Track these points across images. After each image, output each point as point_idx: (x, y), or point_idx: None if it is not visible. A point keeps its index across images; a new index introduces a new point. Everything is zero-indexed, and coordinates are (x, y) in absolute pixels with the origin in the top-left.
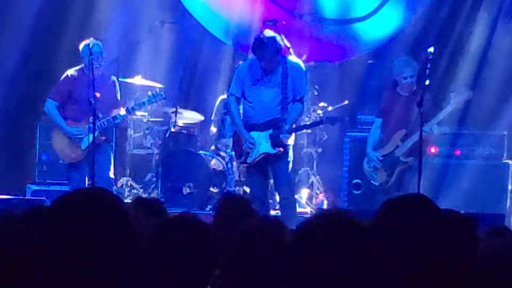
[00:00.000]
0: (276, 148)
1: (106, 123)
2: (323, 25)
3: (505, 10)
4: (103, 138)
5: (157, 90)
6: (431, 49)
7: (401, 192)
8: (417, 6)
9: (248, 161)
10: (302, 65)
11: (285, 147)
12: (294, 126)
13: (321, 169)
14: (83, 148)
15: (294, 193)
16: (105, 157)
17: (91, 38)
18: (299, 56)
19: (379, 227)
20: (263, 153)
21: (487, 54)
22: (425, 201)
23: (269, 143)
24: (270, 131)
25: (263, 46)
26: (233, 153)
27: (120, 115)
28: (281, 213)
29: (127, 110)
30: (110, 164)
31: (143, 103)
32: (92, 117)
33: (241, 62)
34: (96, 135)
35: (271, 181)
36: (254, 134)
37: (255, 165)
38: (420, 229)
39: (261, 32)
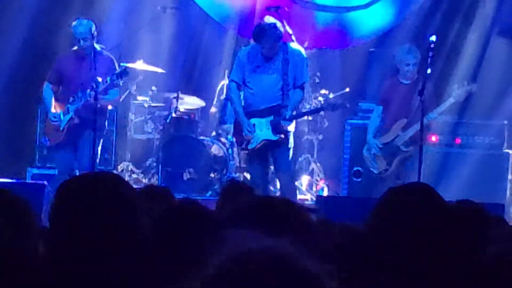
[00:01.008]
0: (277, 135)
1: (74, 101)
2: (325, 12)
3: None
4: (76, 121)
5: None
6: (433, 38)
7: (401, 181)
8: None
9: (249, 147)
10: (303, 52)
11: (286, 133)
12: (295, 112)
13: (321, 156)
14: (61, 129)
15: (294, 179)
16: (86, 144)
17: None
18: (301, 43)
19: (380, 216)
20: (264, 140)
21: (489, 43)
22: (428, 190)
23: (270, 129)
24: (271, 117)
25: (264, 33)
26: (234, 139)
27: (85, 93)
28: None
29: (93, 89)
30: (91, 151)
31: (107, 80)
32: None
33: (243, 47)
34: (71, 115)
35: (272, 167)
36: (255, 120)
37: (255, 152)
38: (422, 219)
39: (262, 18)
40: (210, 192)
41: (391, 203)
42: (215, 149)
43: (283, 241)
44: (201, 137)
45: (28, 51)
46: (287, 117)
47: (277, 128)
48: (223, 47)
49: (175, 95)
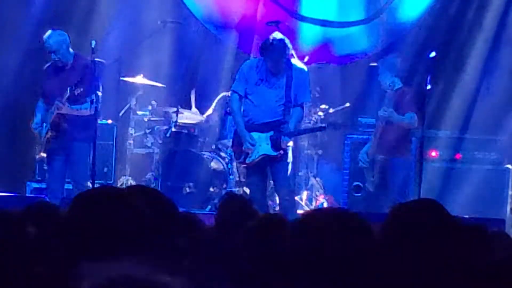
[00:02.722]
0: (276, 151)
1: (46, 115)
2: (326, 27)
3: None
4: (52, 133)
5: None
6: (433, 54)
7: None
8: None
9: (247, 161)
10: (306, 71)
11: (285, 149)
12: (294, 130)
13: (321, 171)
14: (42, 140)
15: (294, 195)
16: (77, 158)
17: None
18: (301, 58)
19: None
20: (263, 155)
21: (491, 60)
22: (437, 207)
23: (269, 145)
24: (271, 133)
25: (271, 48)
26: (232, 152)
27: (53, 106)
28: (280, 212)
29: (59, 100)
30: (82, 163)
31: (67, 91)
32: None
33: (251, 58)
34: (45, 131)
35: (271, 182)
36: (254, 134)
37: (254, 166)
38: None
39: (269, 33)
40: (209, 207)
41: (399, 219)
42: (214, 164)
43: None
44: (201, 152)
45: (27, 66)
46: (287, 133)
47: (276, 143)
48: (223, 62)
49: (175, 109)
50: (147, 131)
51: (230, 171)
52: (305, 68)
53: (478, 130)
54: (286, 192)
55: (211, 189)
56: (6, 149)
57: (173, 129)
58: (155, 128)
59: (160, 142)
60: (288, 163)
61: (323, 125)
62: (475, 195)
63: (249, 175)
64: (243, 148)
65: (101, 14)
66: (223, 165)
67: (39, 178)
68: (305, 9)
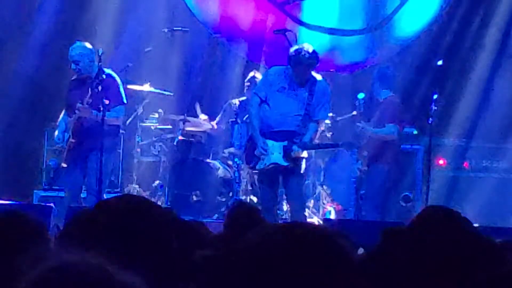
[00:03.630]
0: (287, 161)
1: (69, 121)
2: (332, 35)
3: None
4: (73, 141)
5: None
6: (440, 62)
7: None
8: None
9: (257, 167)
10: (329, 89)
11: (298, 160)
12: (309, 143)
13: (328, 179)
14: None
15: (305, 206)
16: (93, 165)
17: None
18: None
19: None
20: (274, 163)
21: (497, 69)
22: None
23: (282, 154)
24: (285, 143)
25: (302, 59)
26: (244, 156)
27: (75, 108)
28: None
29: (81, 102)
30: (95, 174)
31: (89, 93)
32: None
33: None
34: (66, 138)
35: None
36: (269, 142)
37: (265, 174)
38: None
39: (277, 42)
40: (216, 215)
41: (423, 226)
42: (222, 172)
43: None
44: (208, 160)
45: (35, 75)
46: (300, 145)
47: (288, 154)
48: (230, 69)
49: (182, 117)
50: (154, 139)
51: (237, 179)
52: (328, 86)
53: (486, 139)
54: (298, 204)
55: (218, 197)
56: (13, 158)
57: (180, 137)
58: (162, 136)
59: (167, 150)
60: (301, 175)
61: (339, 142)
62: (483, 204)
63: (260, 182)
64: (255, 153)
65: (109, 23)
66: (230, 174)
67: (46, 186)
68: (309, 17)
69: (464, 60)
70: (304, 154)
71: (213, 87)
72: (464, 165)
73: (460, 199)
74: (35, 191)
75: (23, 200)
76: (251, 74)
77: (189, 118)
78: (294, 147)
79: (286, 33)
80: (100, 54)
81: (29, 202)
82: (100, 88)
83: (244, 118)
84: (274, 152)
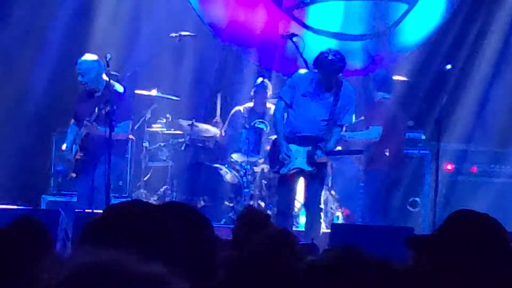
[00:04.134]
0: (311, 166)
1: (76, 136)
2: (341, 40)
3: None
4: (81, 154)
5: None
6: (449, 66)
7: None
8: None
9: (281, 172)
10: (355, 93)
11: (321, 165)
12: (333, 149)
13: (336, 184)
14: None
15: (320, 211)
16: (100, 168)
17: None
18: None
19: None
20: (297, 168)
21: (502, 73)
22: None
23: (305, 159)
24: (309, 148)
25: (329, 62)
26: (268, 160)
27: (82, 125)
28: (306, 227)
29: (88, 119)
30: (103, 174)
31: (95, 111)
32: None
33: (304, 71)
34: (74, 151)
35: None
36: (292, 147)
37: (286, 178)
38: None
39: (288, 47)
40: (224, 220)
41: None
42: (229, 177)
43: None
44: (216, 165)
45: (43, 80)
46: (325, 151)
47: (312, 159)
48: (239, 75)
49: (190, 122)
50: (162, 144)
51: (244, 184)
52: (354, 90)
53: (494, 143)
54: (315, 208)
55: (226, 203)
56: (22, 163)
57: (188, 142)
58: (170, 141)
59: (175, 155)
60: (323, 180)
61: (361, 149)
62: (491, 209)
63: (280, 185)
64: (279, 157)
65: (117, 29)
66: (238, 179)
67: (54, 192)
68: (314, 22)
69: (470, 64)
70: (325, 159)
71: (223, 92)
72: (472, 169)
73: (468, 204)
74: (43, 196)
75: (31, 205)
76: (259, 80)
77: (197, 124)
78: (318, 152)
79: (294, 38)
80: (107, 59)
81: (37, 207)
82: (108, 108)
83: (252, 124)
84: (298, 157)
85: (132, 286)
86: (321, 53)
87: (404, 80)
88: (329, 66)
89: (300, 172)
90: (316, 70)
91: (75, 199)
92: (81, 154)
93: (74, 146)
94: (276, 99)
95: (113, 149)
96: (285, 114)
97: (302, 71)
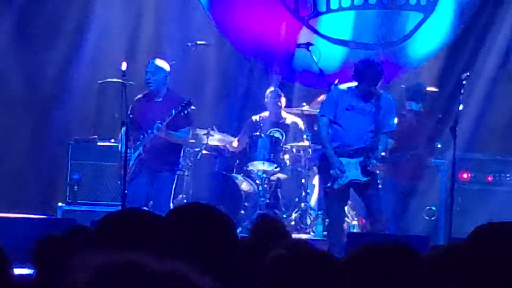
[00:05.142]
0: (367, 176)
1: (144, 138)
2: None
3: None
4: (145, 157)
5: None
6: (466, 75)
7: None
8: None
9: (334, 186)
10: (393, 100)
11: (375, 174)
12: (384, 156)
13: (352, 193)
14: (130, 165)
15: (386, 218)
16: (160, 185)
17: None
18: (332, 80)
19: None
20: (352, 180)
21: None
22: None
23: (359, 170)
24: (361, 158)
25: (369, 71)
26: (319, 177)
27: (154, 128)
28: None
29: (160, 122)
30: (166, 192)
31: (171, 113)
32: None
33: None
34: (139, 151)
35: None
36: (343, 160)
37: (337, 191)
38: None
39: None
40: (240, 229)
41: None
42: (245, 186)
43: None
44: (232, 174)
45: (61, 90)
46: (379, 158)
47: (366, 169)
48: (253, 83)
49: (205, 131)
50: None
51: (260, 193)
52: (392, 97)
53: (511, 152)
54: (382, 217)
55: (242, 212)
56: (38, 172)
57: (204, 151)
58: (186, 150)
59: (191, 164)
60: (379, 188)
61: (409, 154)
62: (508, 218)
63: (332, 199)
64: (331, 172)
65: (132, 37)
66: (253, 187)
67: (70, 200)
68: (326, 30)
69: (487, 73)
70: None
71: (235, 101)
72: (488, 178)
73: (485, 212)
74: (59, 205)
75: (47, 214)
76: (271, 89)
77: (212, 132)
78: (373, 161)
79: (310, 47)
80: (124, 69)
81: (53, 216)
82: (182, 112)
83: (267, 132)
84: (351, 169)
85: (158, 283)
86: (361, 62)
87: (434, 91)
88: (372, 73)
89: (353, 184)
90: (355, 82)
91: (91, 208)
92: (144, 157)
93: (132, 150)
94: (315, 114)
95: (172, 159)
96: (330, 130)
97: (343, 85)
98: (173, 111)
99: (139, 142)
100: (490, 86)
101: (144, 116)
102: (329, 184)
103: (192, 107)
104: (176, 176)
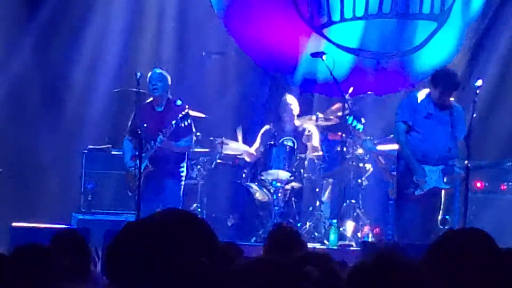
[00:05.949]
0: (448, 184)
1: (148, 151)
2: (380, 59)
3: None
4: (151, 169)
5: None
6: (479, 83)
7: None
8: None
9: (416, 193)
10: (462, 108)
11: (456, 182)
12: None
13: (366, 201)
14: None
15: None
16: (166, 195)
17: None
18: (346, 89)
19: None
20: (434, 187)
21: None
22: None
23: (441, 178)
24: (442, 166)
25: (449, 79)
26: (400, 183)
27: (157, 141)
28: None
29: (163, 133)
30: (174, 201)
31: (172, 125)
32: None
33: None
34: (146, 163)
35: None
36: (425, 167)
37: (419, 198)
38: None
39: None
40: (254, 238)
41: (447, 246)
42: (259, 195)
43: None
44: (246, 183)
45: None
46: (461, 166)
47: (448, 177)
48: (267, 93)
49: (220, 140)
50: (192, 162)
51: (275, 202)
52: (460, 106)
53: None
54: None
55: (256, 221)
56: (52, 181)
57: (218, 160)
58: (200, 159)
59: (205, 173)
60: (458, 197)
61: (481, 164)
62: None
63: (413, 206)
64: (413, 179)
65: (147, 47)
66: (268, 197)
67: (84, 210)
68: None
69: (500, 81)
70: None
71: (249, 110)
72: (502, 187)
73: (498, 221)
74: (73, 214)
75: (62, 223)
76: (284, 97)
77: (227, 141)
78: (456, 168)
79: (323, 56)
80: (138, 77)
81: (67, 225)
82: (182, 122)
83: (281, 141)
84: (433, 176)
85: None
86: (443, 72)
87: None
88: (451, 81)
89: (435, 191)
90: (433, 88)
91: (105, 217)
92: (151, 169)
93: (145, 159)
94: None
95: (176, 168)
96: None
97: (421, 93)
98: (173, 123)
99: (144, 154)
100: (503, 94)
101: (147, 124)
102: (410, 191)
103: (202, 115)
104: (182, 184)
